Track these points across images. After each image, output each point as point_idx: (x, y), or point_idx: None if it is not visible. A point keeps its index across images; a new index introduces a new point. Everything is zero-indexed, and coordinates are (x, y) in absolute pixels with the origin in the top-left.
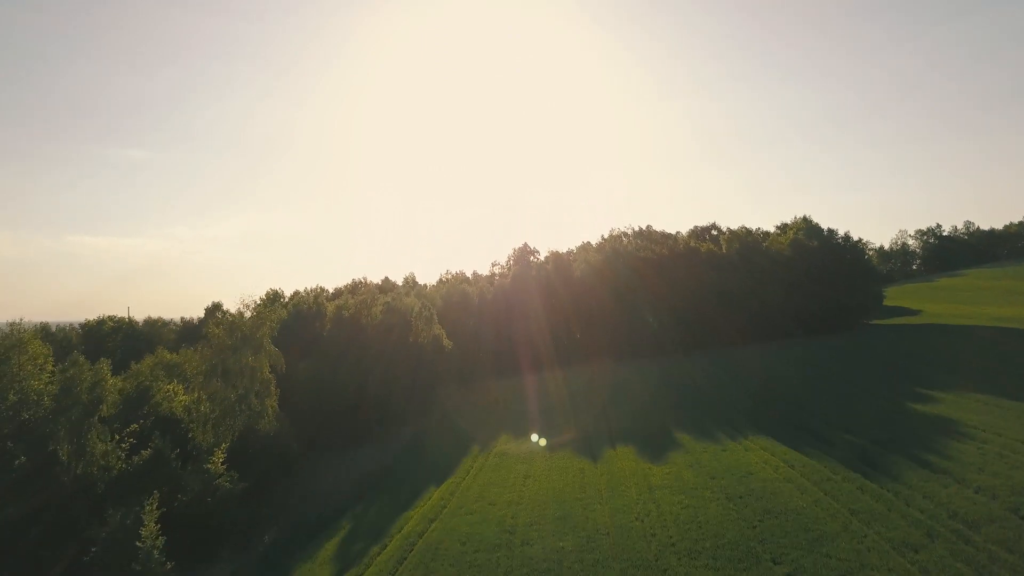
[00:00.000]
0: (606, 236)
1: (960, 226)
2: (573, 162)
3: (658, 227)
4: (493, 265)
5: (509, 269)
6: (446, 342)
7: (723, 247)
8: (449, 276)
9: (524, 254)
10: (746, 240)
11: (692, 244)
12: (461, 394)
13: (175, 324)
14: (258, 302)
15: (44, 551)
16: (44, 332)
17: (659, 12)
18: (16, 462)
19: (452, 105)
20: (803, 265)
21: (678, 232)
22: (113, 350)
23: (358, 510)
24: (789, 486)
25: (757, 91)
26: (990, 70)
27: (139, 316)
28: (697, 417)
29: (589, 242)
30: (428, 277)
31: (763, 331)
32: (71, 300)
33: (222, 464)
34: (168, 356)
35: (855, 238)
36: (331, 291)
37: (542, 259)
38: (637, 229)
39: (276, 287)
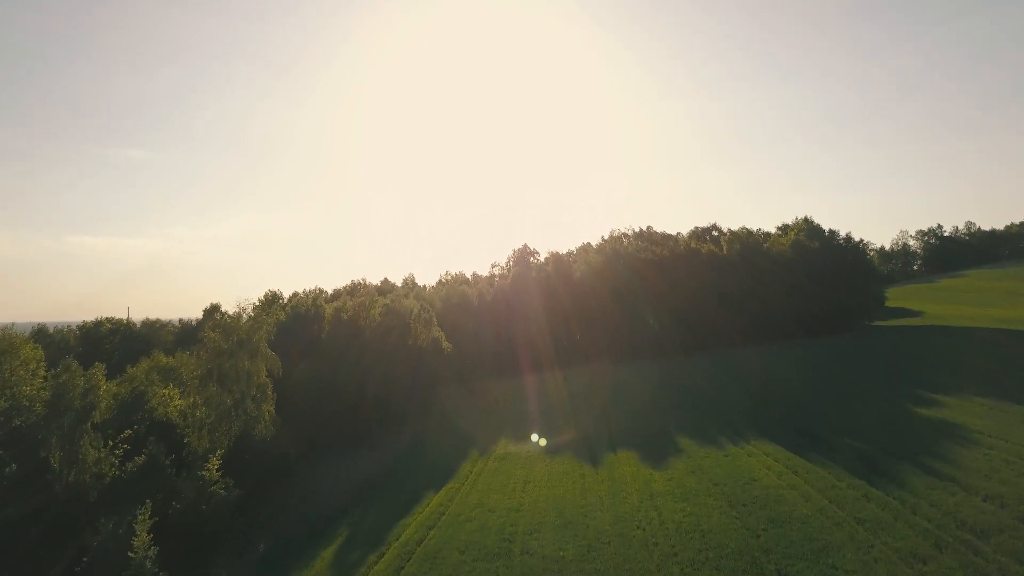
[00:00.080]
0: (606, 237)
1: (961, 227)
2: (573, 162)
3: (658, 228)
4: (493, 266)
5: (509, 270)
6: (445, 344)
7: (724, 248)
8: (449, 277)
9: (524, 255)
10: (747, 241)
11: (693, 245)
12: (461, 396)
13: (173, 326)
14: (256, 304)
15: (38, 559)
16: (41, 334)
17: (659, 12)
18: (7, 469)
19: (452, 105)
20: (804, 266)
21: (679, 233)
22: (111, 352)
23: (356, 516)
24: (793, 493)
25: (757, 91)
26: (990, 70)
27: (139, 316)
28: (698, 420)
29: (589, 243)
30: (428, 277)
31: (764, 332)
32: (71, 300)
33: (217, 471)
34: (164, 360)
35: (856, 239)
36: (330, 293)
37: (542, 260)
38: (637, 230)
39: (275, 288)
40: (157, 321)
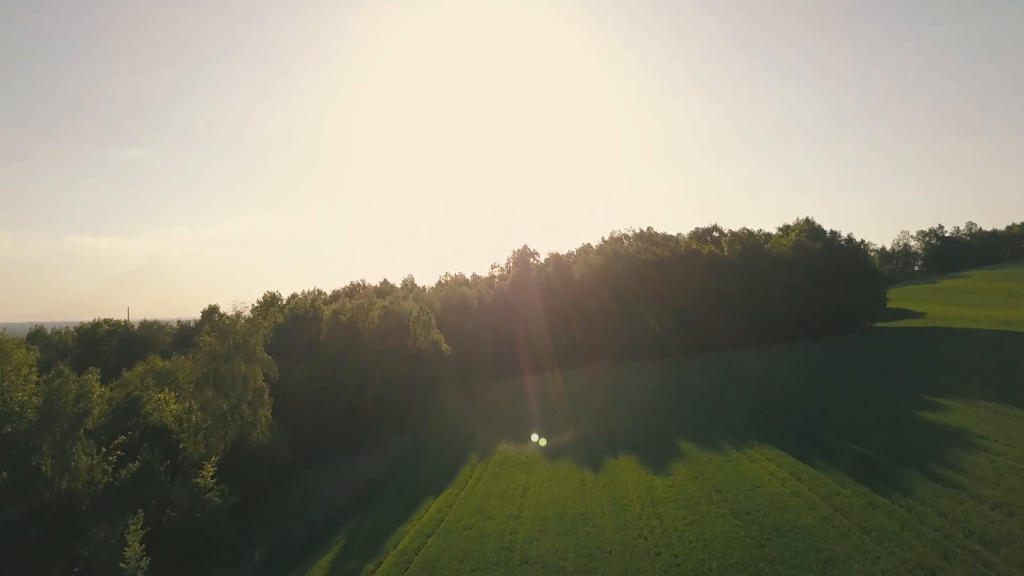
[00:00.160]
0: (606, 238)
1: (962, 227)
2: (573, 162)
3: (658, 228)
4: (492, 267)
5: (508, 271)
6: (444, 347)
7: (725, 249)
8: (448, 278)
9: (524, 256)
10: (748, 242)
11: (693, 246)
12: (460, 398)
13: (171, 327)
14: (254, 305)
15: (27, 569)
16: (39, 335)
17: (659, 12)
18: None
19: (452, 105)
20: (806, 267)
21: (679, 234)
22: (108, 354)
23: (353, 523)
24: (797, 500)
25: (757, 91)
26: (990, 70)
27: (139, 316)
28: (699, 423)
29: (589, 244)
30: (427, 277)
31: (765, 334)
32: (71, 300)
33: (212, 478)
34: (160, 363)
35: (857, 240)
36: (329, 294)
37: (542, 261)
38: (638, 231)
39: (274, 289)
40: (155, 323)
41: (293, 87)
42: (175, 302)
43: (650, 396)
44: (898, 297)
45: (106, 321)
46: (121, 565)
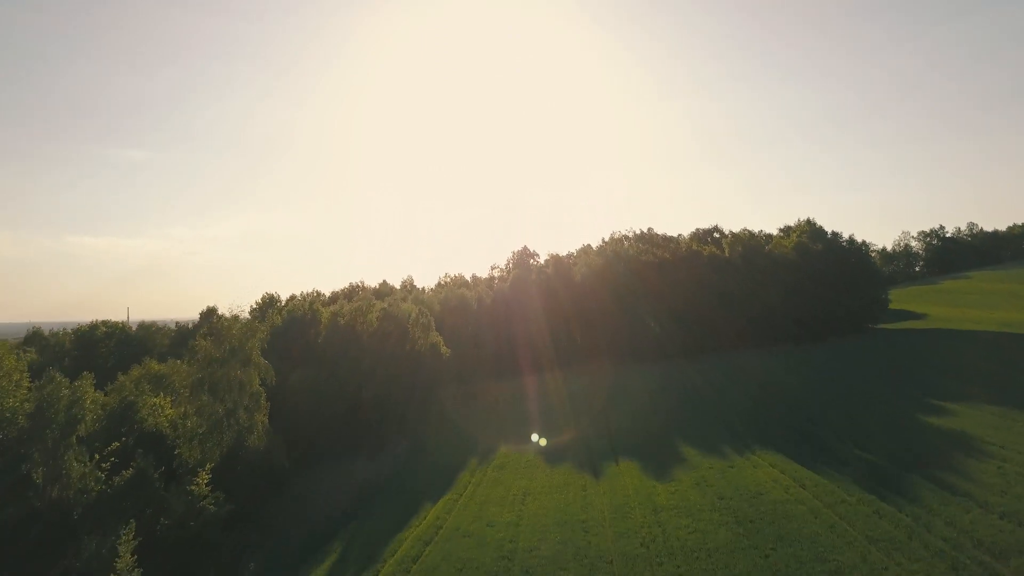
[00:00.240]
0: (607, 239)
1: (963, 227)
2: (573, 162)
3: (658, 228)
4: (492, 268)
5: (508, 272)
6: (444, 349)
7: (726, 250)
8: (448, 279)
9: (524, 257)
10: (749, 243)
11: (694, 247)
12: (460, 401)
13: (169, 329)
14: (253, 307)
15: None
16: (36, 337)
17: (659, 12)
18: None
19: (452, 105)
20: (807, 269)
21: (680, 235)
22: (106, 356)
23: (351, 529)
24: (801, 508)
25: (757, 91)
26: (990, 70)
27: (139, 317)
28: (701, 426)
29: (590, 245)
30: (427, 278)
31: (767, 335)
32: (71, 301)
33: (206, 485)
34: (156, 367)
35: (859, 240)
36: (328, 295)
37: (542, 262)
38: (638, 232)
39: (274, 290)
40: (153, 324)
41: (293, 87)
42: (175, 302)
43: (651, 398)
44: (900, 298)
45: (104, 323)
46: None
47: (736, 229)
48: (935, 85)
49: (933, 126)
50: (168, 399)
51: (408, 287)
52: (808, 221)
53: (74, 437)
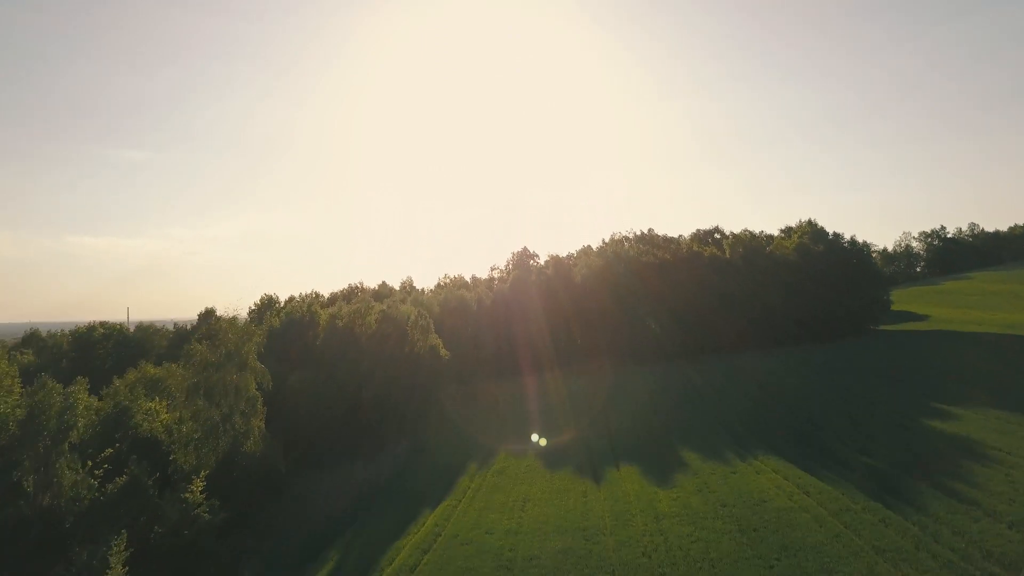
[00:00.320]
0: (607, 240)
1: (964, 228)
2: (573, 162)
3: (659, 228)
4: (492, 269)
5: (508, 273)
6: (443, 352)
7: (726, 251)
8: (447, 280)
9: (524, 258)
10: (750, 244)
11: (695, 248)
12: (459, 404)
13: (168, 330)
14: (251, 309)
15: None
16: (34, 338)
17: (659, 12)
18: None
19: (452, 105)
20: (808, 270)
21: (680, 235)
22: (103, 357)
23: (348, 537)
24: (806, 516)
25: (757, 91)
26: (990, 70)
27: (139, 317)
28: (703, 430)
29: (590, 246)
30: (427, 278)
31: (768, 337)
32: (71, 301)
33: (201, 492)
34: (152, 371)
35: (860, 241)
36: (326, 297)
37: (542, 263)
38: (639, 233)
39: (274, 290)
40: (151, 326)
41: (293, 87)
42: (175, 302)
43: (651, 400)
44: (901, 299)
45: (102, 324)
46: None
47: (736, 229)
48: (935, 85)
49: (933, 126)
50: (164, 403)
51: (407, 288)
52: (809, 222)
53: (66, 444)
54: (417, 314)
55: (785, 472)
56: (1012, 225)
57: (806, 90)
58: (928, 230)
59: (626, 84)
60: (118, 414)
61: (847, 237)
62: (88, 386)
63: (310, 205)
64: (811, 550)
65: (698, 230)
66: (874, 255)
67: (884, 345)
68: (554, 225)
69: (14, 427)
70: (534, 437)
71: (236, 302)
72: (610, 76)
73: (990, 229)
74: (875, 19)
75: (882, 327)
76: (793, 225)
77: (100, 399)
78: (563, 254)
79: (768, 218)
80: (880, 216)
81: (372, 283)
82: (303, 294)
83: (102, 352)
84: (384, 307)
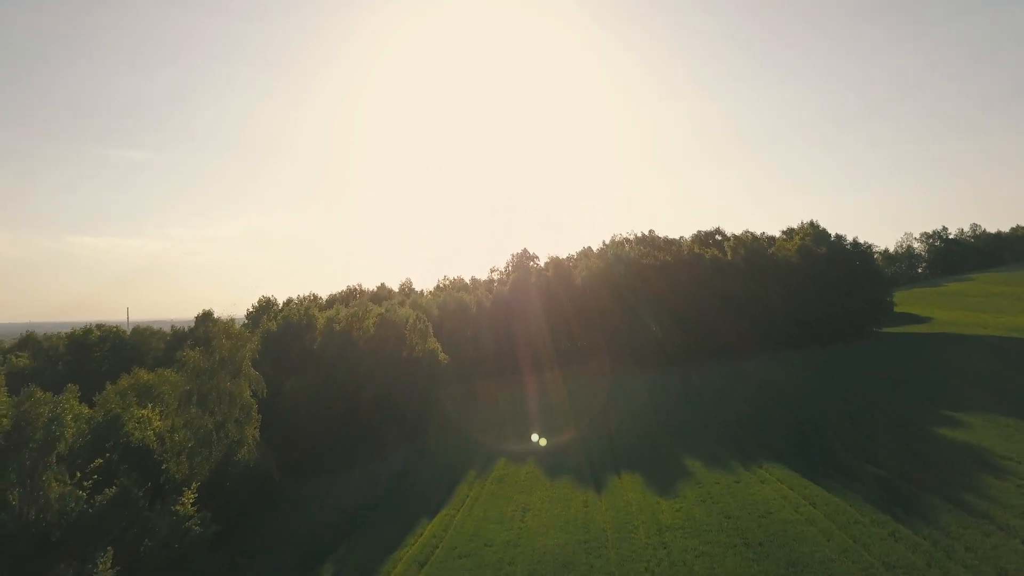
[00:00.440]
0: (607, 241)
1: (966, 228)
2: (573, 163)
3: (659, 228)
4: (492, 271)
5: (508, 275)
6: (442, 356)
7: (728, 253)
8: (447, 282)
9: (523, 260)
10: (752, 246)
11: (696, 250)
12: (459, 405)
13: (164, 333)
14: (249, 311)
15: None
16: (30, 340)
17: (659, 12)
18: None
19: (452, 105)
20: (810, 272)
21: (681, 237)
22: (100, 360)
23: (343, 549)
24: (813, 530)
25: (757, 91)
26: (990, 70)
27: (139, 317)
28: (705, 436)
29: (590, 247)
30: (427, 278)
31: (770, 340)
32: (71, 301)
33: (192, 505)
34: (145, 377)
35: (862, 243)
36: (325, 299)
37: (542, 265)
38: (640, 235)
39: (273, 290)
40: (147, 328)
41: (293, 87)
42: (175, 302)
43: (653, 405)
44: (903, 301)
45: (98, 327)
46: None
47: (737, 229)
48: (935, 85)
49: (933, 126)
50: (157, 410)
51: (406, 290)
52: (811, 223)
53: (54, 455)
54: (416, 318)
55: (790, 481)
56: (1014, 226)
57: (806, 90)
58: (930, 231)
59: (626, 84)
60: (109, 423)
61: (849, 239)
62: (80, 393)
63: (310, 205)
64: (819, 566)
65: (699, 231)
66: (876, 256)
67: (887, 348)
68: (554, 225)
69: None
70: (534, 437)
71: (233, 305)
72: (610, 76)
73: (992, 230)
74: (875, 19)
75: (885, 329)
76: (795, 226)
77: (93, 405)
78: (563, 256)
79: (768, 218)
80: (880, 216)
81: (372, 284)
82: (301, 296)
83: (98, 355)
84: (382, 310)
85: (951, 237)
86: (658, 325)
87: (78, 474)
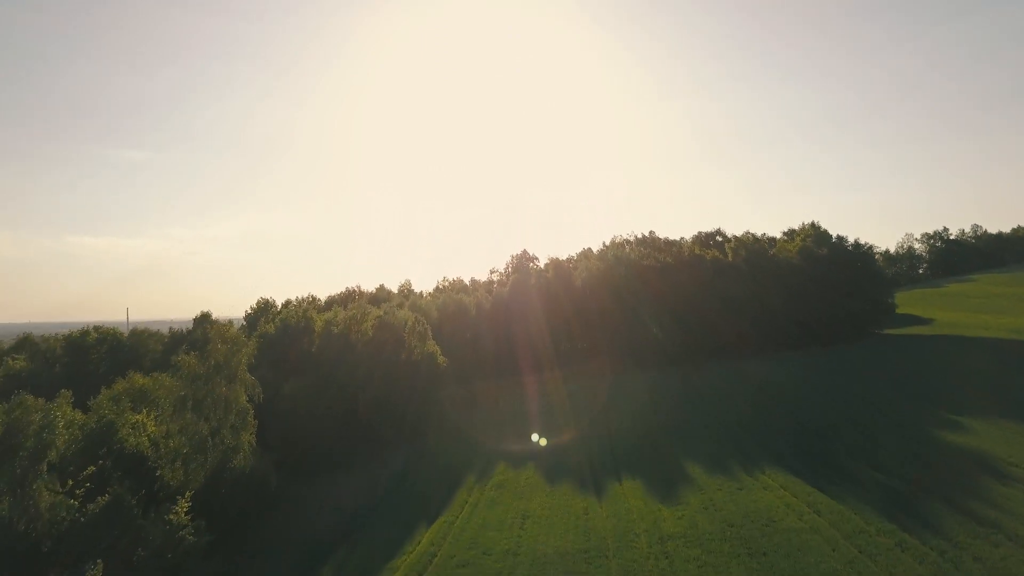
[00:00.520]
0: (608, 243)
1: (967, 229)
2: (573, 163)
3: (659, 228)
4: (491, 272)
5: (508, 277)
6: (441, 359)
7: (729, 255)
8: (446, 283)
9: (523, 261)
10: (753, 247)
11: (697, 251)
12: (459, 406)
13: (162, 334)
14: (247, 312)
15: None
16: (27, 342)
17: (659, 12)
18: None
19: (452, 105)
20: (812, 273)
21: (682, 238)
22: (97, 362)
23: (341, 556)
24: (817, 539)
25: (757, 91)
26: (990, 70)
27: (139, 317)
28: (706, 439)
29: (590, 248)
30: (427, 278)
31: (772, 342)
32: (71, 301)
33: (186, 514)
34: (141, 381)
35: (864, 244)
36: (323, 301)
37: (541, 266)
38: (640, 236)
39: (273, 290)
40: (145, 331)
41: (293, 87)
42: (175, 302)
43: (653, 405)
44: (904, 302)
45: (95, 328)
46: None
47: (737, 229)
48: (935, 85)
49: (933, 126)
50: (152, 415)
51: (405, 292)
52: (813, 224)
53: (45, 464)
54: (414, 320)
55: (794, 488)
56: (1015, 227)
57: (806, 90)
58: (930, 231)
59: (626, 84)
60: (102, 429)
61: (850, 240)
62: (77, 396)
63: (310, 205)
64: None
65: (700, 232)
66: (877, 257)
67: (888, 349)
68: (554, 225)
69: None
70: (534, 437)
71: (232, 306)
72: (610, 76)
73: (992, 230)
74: (875, 19)
75: (886, 331)
76: (795, 227)
77: (89, 410)
78: (563, 257)
79: (768, 218)
80: (881, 216)
81: (371, 285)
82: (299, 298)
83: (96, 357)
84: (381, 313)
85: (952, 238)
86: (658, 326)
87: (70, 482)
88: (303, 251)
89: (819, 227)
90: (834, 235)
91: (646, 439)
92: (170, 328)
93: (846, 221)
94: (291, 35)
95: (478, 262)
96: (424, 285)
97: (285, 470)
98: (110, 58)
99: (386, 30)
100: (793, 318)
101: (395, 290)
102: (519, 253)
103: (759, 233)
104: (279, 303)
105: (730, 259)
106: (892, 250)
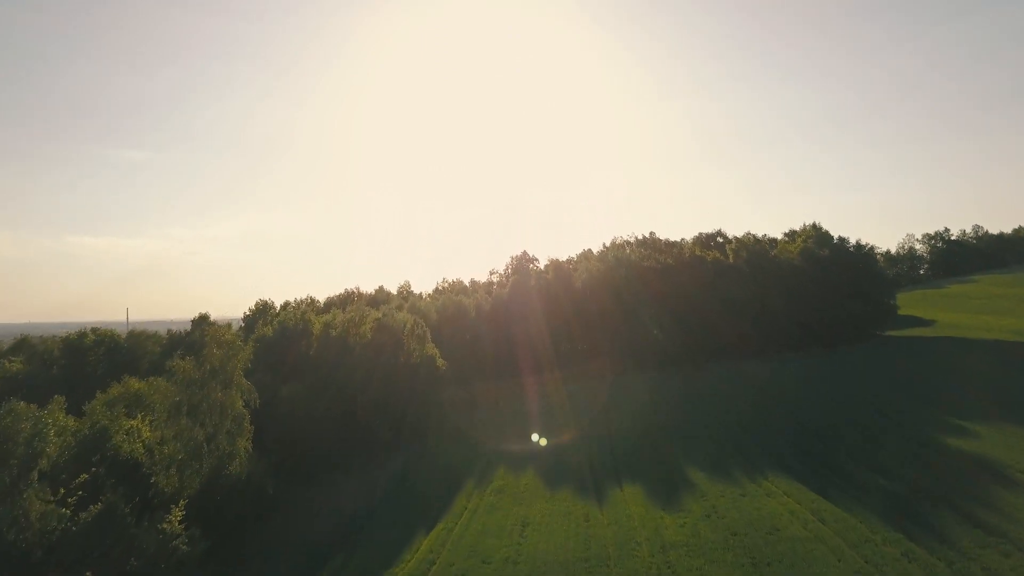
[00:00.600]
0: (608, 244)
1: (968, 229)
2: (573, 163)
3: (659, 228)
4: (491, 273)
5: (508, 278)
6: (440, 362)
7: (730, 256)
8: (446, 284)
9: (523, 262)
10: (754, 248)
11: (697, 252)
12: (457, 414)
13: (161, 336)
14: (246, 314)
15: None
16: (24, 344)
17: (659, 12)
18: None
19: (451, 105)
20: (813, 274)
21: (683, 239)
22: (95, 364)
23: (338, 562)
24: (822, 548)
25: (757, 91)
26: (990, 70)
27: (139, 317)
28: (709, 446)
29: (590, 249)
30: (426, 279)
31: (773, 343)
32: (71, 301)
33: (180, 522)
34: (136, 386)
35: (865, 245)
36: (322, 302)
37: (541, 268)
38: (640, 237)
39: (273, 291)
40: (143, 332)
41: (293, 87)
42: (175, 302)
43: (655, 409)
44: (906, 303)
45: (93, 330)
46: None
47: (737, 229)
48: (935, 85)
49: (933, 126)
50: (147, 420)
51: (404, 294)
52: (814, 225)
53: (35, 472)
54: (413, 322)
55: (798, 495)
56: (1016, 227)
57: (806, 90)
58: (931, 232)
59: (626, 84)
60: (96, 435)
61: (851, 240)
62: (75, 399)
63: (310, 205)
64: None
65: (700, 234)
66: (878, 257)
67: (891, 352)
68: (554, 226)
69: None
70: (534, 437)
71: (231, 307)
72: (610, 76)
73: (994, 231)
74: (875, 19)
75: (888, 332)
76: (796, 228)
77: (83, 414)
78: (563, 258)
79: (769, 218)
80: (881, 217)
81: (371, 285)
82: (298, 300)
83: (93, 359)
84: (380, 315)
85: (953, 238)
86: (659, 327)
87: (62, 490)
88: (303, 251)
89: (820, 228)
90: (835, 236)
91: (646, 440)
92: (168, 329)
93: (847, 221)
94: (291, 35)
95: (478, 263)
96: (423, 286)
97: (283, 473)
98: (110, 58)
99: (386, 30)
100: (794, 319)
101: (394, 291)
102: (519, 254)
103: (760, 234)
104: (278, 304)
105: (731, 260)
106: (893, 251)
